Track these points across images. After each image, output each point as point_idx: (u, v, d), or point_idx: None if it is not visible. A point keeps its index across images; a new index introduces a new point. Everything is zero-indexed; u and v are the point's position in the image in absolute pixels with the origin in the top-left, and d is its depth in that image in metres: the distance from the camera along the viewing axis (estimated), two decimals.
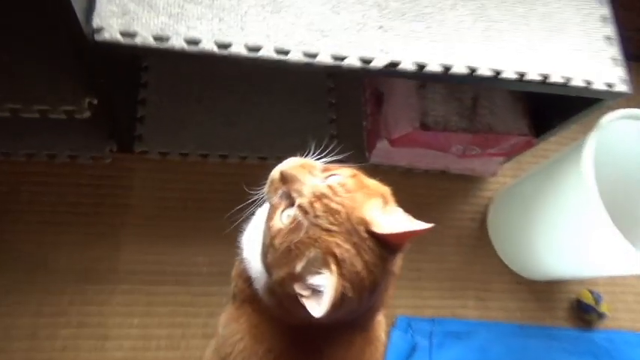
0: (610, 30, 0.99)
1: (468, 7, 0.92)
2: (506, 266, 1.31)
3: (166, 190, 1.18)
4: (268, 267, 0.59)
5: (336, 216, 0.54)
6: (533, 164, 1.39)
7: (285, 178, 0.57)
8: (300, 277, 0.54)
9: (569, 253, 1.14)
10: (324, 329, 0.64)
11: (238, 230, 0.69)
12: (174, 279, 1.11)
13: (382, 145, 1.20)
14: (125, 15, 0.76)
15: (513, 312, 1.28)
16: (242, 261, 0.70)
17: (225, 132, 1.22)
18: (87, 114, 0.92)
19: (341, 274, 0.52)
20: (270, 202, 0.59)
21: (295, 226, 0.54)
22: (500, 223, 1.31)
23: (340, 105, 1.32)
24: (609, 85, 0.93)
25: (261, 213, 0.66)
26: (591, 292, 1.28)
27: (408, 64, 0.84)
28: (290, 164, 0.59)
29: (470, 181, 1.38)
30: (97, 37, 0.74)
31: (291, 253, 0.54)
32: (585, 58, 0.95)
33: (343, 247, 0.53)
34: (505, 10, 0.94)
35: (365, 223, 0.55)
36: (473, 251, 1.31)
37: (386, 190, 0.58)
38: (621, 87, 0.94)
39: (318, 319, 0.52)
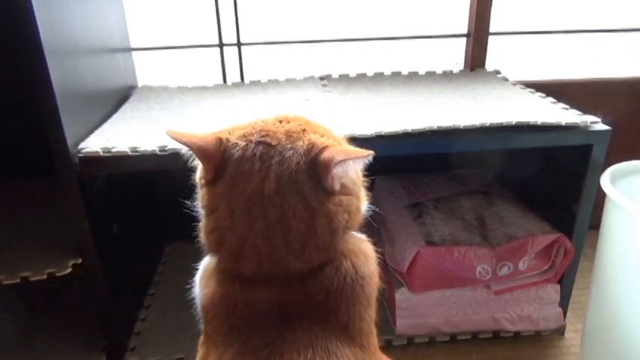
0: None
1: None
2: None
3: None
4: None
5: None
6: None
7: None
8: None
9: None
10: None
11: None
12: None
13: (402, 296, 1.03)
14: (108, 140, 0.88)
15: None
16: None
17: None
18: (67, 270, 0.90)
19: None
20: None
21: None
22: None
23: None
24: (588, 124, 0.92)
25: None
26: None
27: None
28: None
29: (539, 343, 1.07)
30: (80, 154, 0.84)
31: None
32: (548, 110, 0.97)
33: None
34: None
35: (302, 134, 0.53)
36: None
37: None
38: (599, 126, 0.92)
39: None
